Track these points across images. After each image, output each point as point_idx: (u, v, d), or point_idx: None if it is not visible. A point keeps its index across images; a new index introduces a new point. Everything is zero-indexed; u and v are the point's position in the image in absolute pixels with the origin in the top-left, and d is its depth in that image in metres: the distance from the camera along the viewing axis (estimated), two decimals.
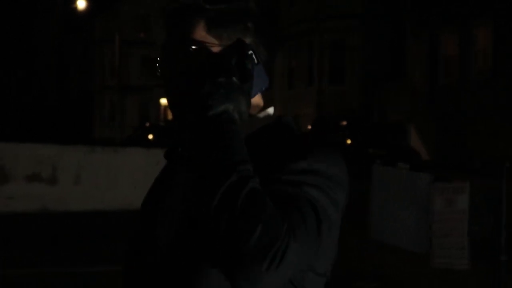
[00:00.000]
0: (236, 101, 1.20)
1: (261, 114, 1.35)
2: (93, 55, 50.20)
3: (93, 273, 7.15)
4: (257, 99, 1.34)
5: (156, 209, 1.35)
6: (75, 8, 35.69)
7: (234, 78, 1.21)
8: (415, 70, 26.85)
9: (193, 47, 1.29)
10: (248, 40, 1.31)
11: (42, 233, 9.51)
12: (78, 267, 7.38)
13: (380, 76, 28.36)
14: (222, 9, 1.31)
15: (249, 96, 1.24)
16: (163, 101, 46.77)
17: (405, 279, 7.46)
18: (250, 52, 1.27)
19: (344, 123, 21.99)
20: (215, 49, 1.29)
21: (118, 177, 11.23)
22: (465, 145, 23.41)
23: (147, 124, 35.30)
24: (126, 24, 48.03)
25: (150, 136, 30.75)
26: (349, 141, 20.77)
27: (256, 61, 1.27)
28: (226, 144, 1.15)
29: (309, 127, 23.86)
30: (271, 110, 1.37)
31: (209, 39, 1.30)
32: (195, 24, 1.31)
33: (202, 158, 1.15)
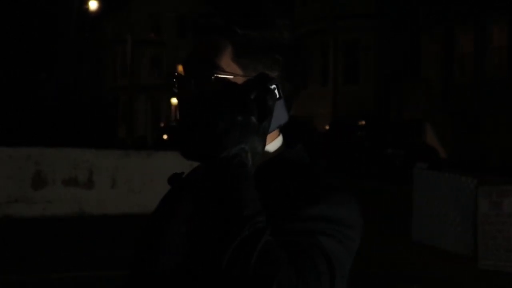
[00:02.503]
0: (251, 142, 1.12)
1: (269, 148, 1.27)
2: (105, 56, 50.36)
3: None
4: (273, 134, 1.27)
5: (160, 234, 1.29)
6: (87, 9, 35.80)
7: (252, 117, 1.13)
8: (430, 68, 26.86)
9: (216, 74, 1.20)
10: (274, 74, 1.22)
11: (80, 236, 9.62)
12: (117, 270, 7.42)
13: (395, 75, 28.37)
14: (253, 36, 1.21)
15: (266, 135, 1.16)
16: (174, 100, 46.79)
17: (447, 280, 7.49)
18: (274, 86, 1.18)
19: (363, 123, 21.99)
20: (238, 79, 1.20)
21: (152, 181, 11.36)
22: (481, 142, 23.42)
23: (162, 125, 35.40)
24: (136, 24, 48.12)
25: (165, 137, 30.88)
26: (367, 142, 20.78)
27: (278, 96, 1.18)
28: (238, 194, 1.08)
29: (327, 127, 23.90)
30: (278, 142, 1.30)
31: (233, 68, 1.21)
32: (222, 47, 1.21)
33: (213, 207, 1.08)
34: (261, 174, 1.21)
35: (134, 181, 11.54)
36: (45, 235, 9.58)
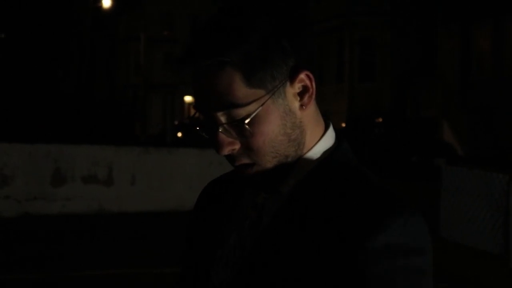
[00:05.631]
0: None
1: (313, 152, 1.10)
2: (118, 53, 50.46)
3: (154, 275, 7.10)
4: (319, 126, 1.12)
5: (215, 240, 1.17)
6: (101, 6, 35.82)
7: None
8: (447, 64, 26.68)
9: (244, 119, 1.02)
10: (291, 60, 1.04)
11: (99, 234, 9.55)
12: (136, 268, 7.34)
13: (412, 72, 28.22)
14: (250, 47, 1.01)
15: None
16: (187, 98, 46.90)
17: (477, 280, 7.35)
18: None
19: (380, 120, 21.89)
20: (267, 105, 1.03)
21: (172, 178, 11.28)
22: (497, 139, 23.26)
23: (176, 122, 35.48)
24: (150, 22, 48.17)
25: (179, 134, 30.95)
26: (384, 139, 20.68)
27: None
28: None
29: (343, 124, 23.80)
30: (329, 138, 1.12)
31: (253, 93, 1.02)
32: (229, 81, 1.01)
33: None
34: (310, 183, 1.06)
35: (154, 178, 11.45)
36: (64, 233, 9.52)
